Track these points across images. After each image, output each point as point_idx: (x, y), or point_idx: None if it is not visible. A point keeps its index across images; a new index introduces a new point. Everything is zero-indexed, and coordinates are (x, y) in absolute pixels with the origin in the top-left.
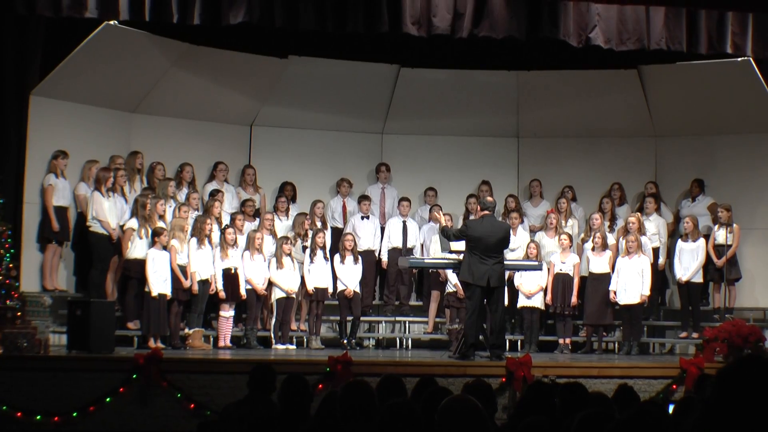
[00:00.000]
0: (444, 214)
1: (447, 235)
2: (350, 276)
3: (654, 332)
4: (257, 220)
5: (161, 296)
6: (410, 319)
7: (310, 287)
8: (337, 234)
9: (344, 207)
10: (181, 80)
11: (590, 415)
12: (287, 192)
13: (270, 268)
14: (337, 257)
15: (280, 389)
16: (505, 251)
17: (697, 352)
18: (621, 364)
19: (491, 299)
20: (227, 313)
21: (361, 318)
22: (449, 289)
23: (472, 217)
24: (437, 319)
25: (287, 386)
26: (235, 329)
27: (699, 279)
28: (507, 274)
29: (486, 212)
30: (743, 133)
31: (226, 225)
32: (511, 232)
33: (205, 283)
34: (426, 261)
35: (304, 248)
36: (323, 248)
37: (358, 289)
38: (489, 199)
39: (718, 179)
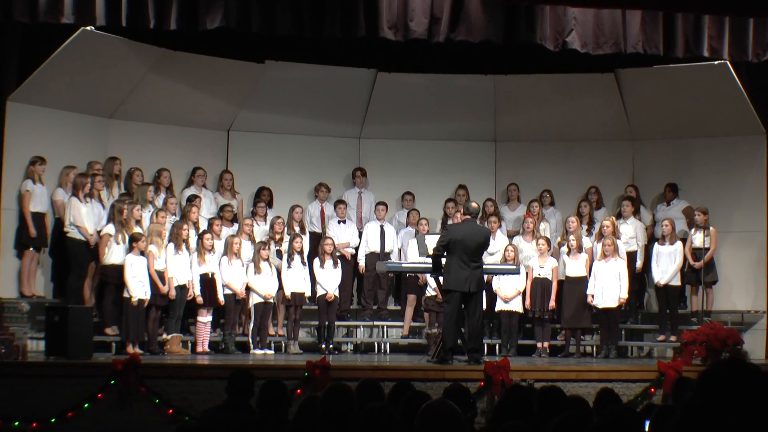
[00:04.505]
0: (421, 219)
1: (437, 254)
2: (330, 280)
3: (632, 335)
4: (235, 225)
5: (139, 302)
6: (388, 323)
7: (287, 292)
8: (316, 239)
9: (322, 212)
10: (158, 85)
11: (567, 419)
12: (264, 197)
13: (248, 273)
14: (316, 261)
15: (258, 394)
16: (483, 255)
17: (675, 355)
18: (599, 367)
19: (469, 303)
20: (205, 318)
21: (340, 323)
22: (428, 293)
23: (450, 222)
24: (415, 323)
25: (265, 391)
26: (213, 334)
27: (677, 282)
28: (485, 278)
29: (468, 217)
30: (720, 136)
31: (204, 230)
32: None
33: (182, 289)
34: (404, 265)
35: (278, 252)
36: (300, 253)
37: (337, 293)
38: (474, 204)
39: (694, 182)
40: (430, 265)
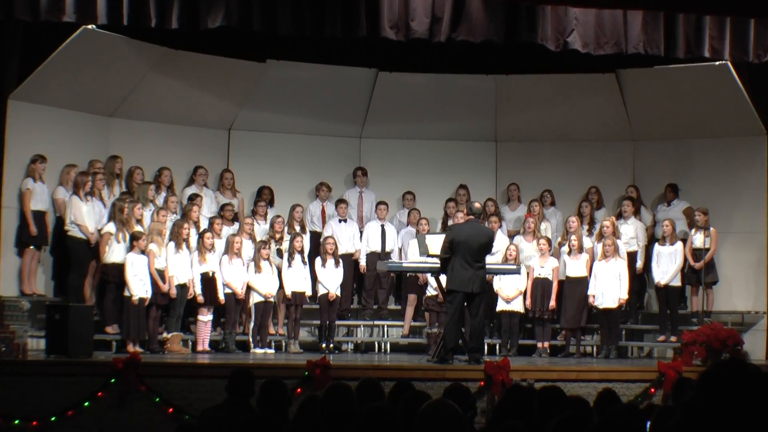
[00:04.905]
0: (422, 218)
1: (444, 257)
2: (332, 279)
3: (632, 336)
4: (236, 224)
5: (140, 300)
6: (389, 323)
7: (288, 291)
8: (317, 238)
9: (323, 211)
10: (159, 84)
11: (567, 419)
12: (265, 196)
13: (248, 272)
14: (318, 261)
15: (258, 394)
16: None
17: (675, 355)
18: (599, 367)
19: (472, 304)
20: (205, 317)
21: (340, 322)
22: (429, 292)
23: (451, 222)
24: (415, 323)
25: (265, 390)
26: (214, 333)
27: (677, 282)
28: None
29: (471, 217)
30: (721, 136)
31: (204, 229)
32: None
33: (183, 287)
34: (404, 265)
35: (279, 251)
36: (301, 252)
37: (339, 293)
38: (477, 205)
39: (695, 183)
40: (431, 265)
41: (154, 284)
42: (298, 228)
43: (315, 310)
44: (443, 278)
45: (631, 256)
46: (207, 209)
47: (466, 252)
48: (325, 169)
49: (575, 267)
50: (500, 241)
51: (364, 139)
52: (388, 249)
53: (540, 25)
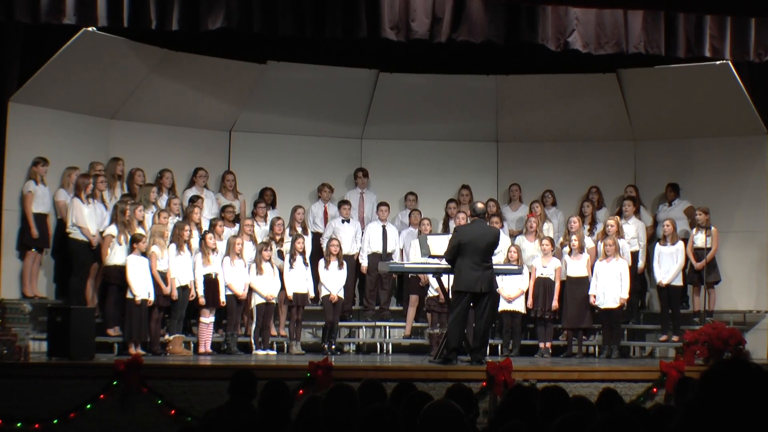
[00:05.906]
0: (423, 219)
1: (450, 259)
2: (334, 281)
3: (634, 336)
4: (237, 225)
5: (142, 302)
6: (390, 323)
7: (289, 293)
8: (319, 239)
9: (326, 212)
10: (160, 86)
11: (569, 419)
12: (267, 197)
13: (250, 274)
14: (321, 262)
15: (260, 395)
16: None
17: (677, 355)
18: (601, 367)
19: (479, 304)
20: (207, 319)
21: (342, 323)
22: (431, 293)
23: (452, 223)
24: (417, 324)
25: (268, 392)
26: (216, 335)
27: (679, 282)
28: None
29: (476, 218)
30: (722, 136)
31: (206, 231)
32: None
33: (184, 289)
34: (406, 266)
35: (280, 253)
36: (303, 254)
37: (342, 294)
38: (480, 205)
39: (696, 182)
40: (433, 266)
41: (156, 286)
42: (299, 229)
43: (317, 312)
44: (445, 279)
45: (633, 256)
46: (208, 211)
47: (474, 252)
48: (326, 170)
49: (576, 267)
50: (502, 242)
51: (365, 140)
52: (389, 250)
53: (540, 25)
